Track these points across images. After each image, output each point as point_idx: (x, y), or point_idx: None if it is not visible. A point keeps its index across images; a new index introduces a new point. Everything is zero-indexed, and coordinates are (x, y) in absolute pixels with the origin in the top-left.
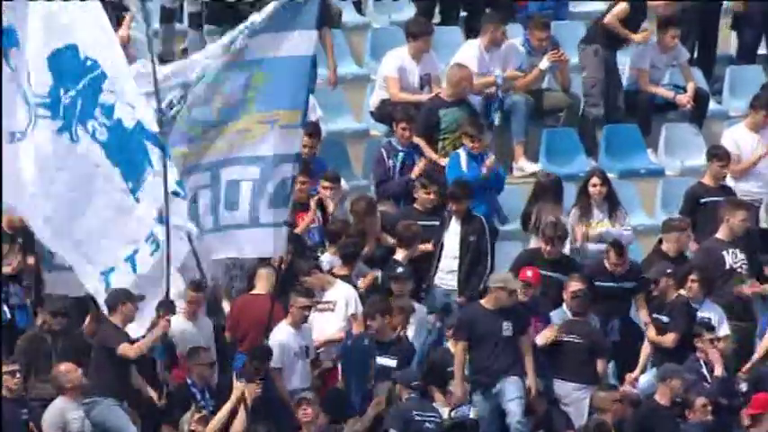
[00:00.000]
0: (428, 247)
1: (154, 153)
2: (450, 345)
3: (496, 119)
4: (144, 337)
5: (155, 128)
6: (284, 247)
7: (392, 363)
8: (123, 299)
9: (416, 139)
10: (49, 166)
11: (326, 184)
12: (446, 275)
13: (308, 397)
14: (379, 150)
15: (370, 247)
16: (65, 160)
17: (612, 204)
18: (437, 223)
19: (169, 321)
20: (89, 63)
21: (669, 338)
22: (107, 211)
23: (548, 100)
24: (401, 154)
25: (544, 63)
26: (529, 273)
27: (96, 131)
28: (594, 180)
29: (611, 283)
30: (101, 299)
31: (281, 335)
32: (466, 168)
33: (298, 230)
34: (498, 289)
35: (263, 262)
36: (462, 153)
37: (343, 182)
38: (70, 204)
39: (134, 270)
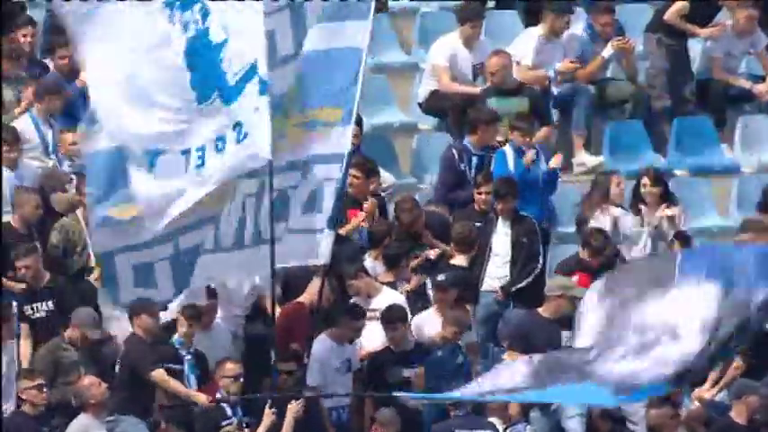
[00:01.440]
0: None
1: (248, 97)
2: (506, 356)
3: (554, 116)
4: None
5: (263, 70)
6: (328, 253)
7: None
8: (138, 310)
9: None
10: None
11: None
12: (494, 281)
13: (385, 418)
14: (449, 150)
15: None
16: (154, 37)
17: (670, 206)
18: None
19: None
20: None
21: (738, 368)
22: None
23: (612, 90)
24: (475, 158)
25: (607, 50)
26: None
27: (188, 24)
28: (644, 180)
29: None
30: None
31: (321, 350)
32: (513, 167)
33: (343, 230)
34: (558, 296)
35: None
36: (509, 150)
37: (391, 178)
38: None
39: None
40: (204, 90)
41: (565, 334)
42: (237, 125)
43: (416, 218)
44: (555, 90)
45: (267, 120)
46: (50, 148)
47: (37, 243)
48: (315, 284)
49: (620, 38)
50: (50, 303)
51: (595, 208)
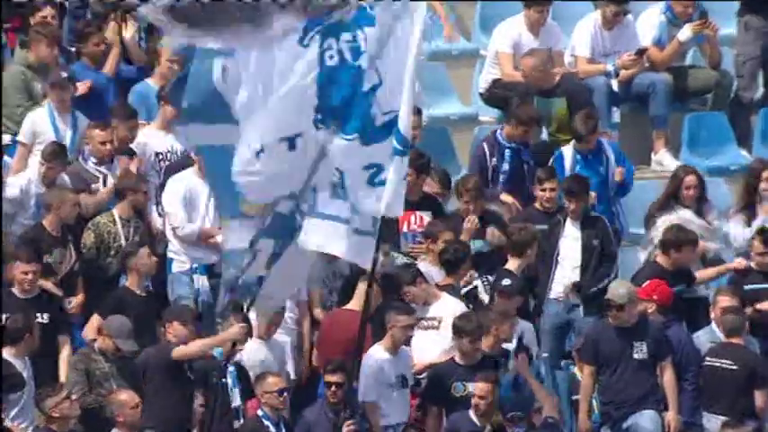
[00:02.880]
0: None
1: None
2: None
3: (615, 116)
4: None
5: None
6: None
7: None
8: (170, 318)
9: None
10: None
11: None
12: (563, 289)
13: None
14: (479, 148)
15: (471, 226)
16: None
17: None
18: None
19: (245, 330)
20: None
21: None
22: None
23: (692, 79)
24: (508, 151)
25: (684, 33)
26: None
27: (327, 54)
28: (767, 174)
29: (764, 284)
30: None
31: (375, 363)
32: (569, 170)
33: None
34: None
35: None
36: (568, 151)
37: None
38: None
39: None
40: (343, 119)
41: (636, 344)
42: (376, 167)
43: (477, 196)
44: (615, 85)
45: (401, 183)
46: (69, 145)
47: (71, 245)
48: (362, 288)
49: (701, 21)
50: (45, 316)
51: (665, 208)
